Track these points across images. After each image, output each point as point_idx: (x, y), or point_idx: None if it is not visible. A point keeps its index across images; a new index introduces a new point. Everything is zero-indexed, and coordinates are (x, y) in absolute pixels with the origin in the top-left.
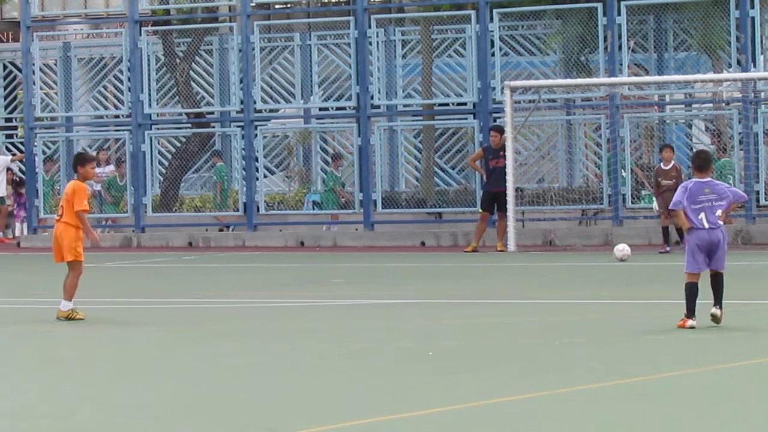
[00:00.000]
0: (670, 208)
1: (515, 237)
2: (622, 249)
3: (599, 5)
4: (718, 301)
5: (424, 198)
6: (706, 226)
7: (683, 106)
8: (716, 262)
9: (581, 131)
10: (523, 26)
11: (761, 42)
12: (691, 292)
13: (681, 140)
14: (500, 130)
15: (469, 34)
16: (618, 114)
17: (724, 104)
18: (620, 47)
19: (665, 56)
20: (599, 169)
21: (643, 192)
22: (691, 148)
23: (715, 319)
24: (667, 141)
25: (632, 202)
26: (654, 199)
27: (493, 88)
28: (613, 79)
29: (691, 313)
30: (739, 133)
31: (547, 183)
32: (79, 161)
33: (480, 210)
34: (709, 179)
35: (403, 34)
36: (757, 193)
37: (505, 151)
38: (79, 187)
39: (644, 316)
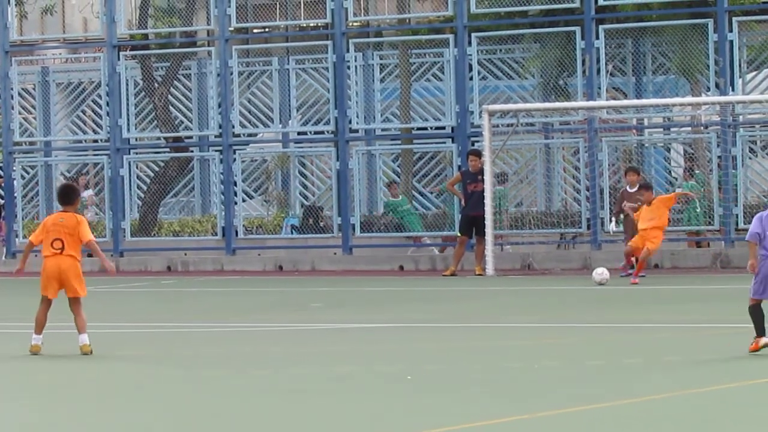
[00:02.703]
0: (747, 239)
1: (493, 261)
2: (600, 273)
3: (577, 29)
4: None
5: (401, 222)
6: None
7: (662, 129)
8: None
9: (560, 155)
10: (501, 50)
11: (739, 65)
12: (756, 314)
13: (659, 164)
14: (479, 154)
15: (447, 58)
16: (596, 138)
17: (702, 128)
18: (598, 71)
19: (644, 80)
20: (578, 193)
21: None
22: (669, 172)
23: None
24: (645, 165)
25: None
26: (612, 219)
27: (472, 112)
28: (591, 103)
29: (761, 332)
30: (718, 157)
31: (526, 207)
32: (76, 194)
33: (458, 234)
34: None
35: (381, 58)
36: (737, 216)
37: (483, 175)
38: (83, 218)
39: (622, 340)
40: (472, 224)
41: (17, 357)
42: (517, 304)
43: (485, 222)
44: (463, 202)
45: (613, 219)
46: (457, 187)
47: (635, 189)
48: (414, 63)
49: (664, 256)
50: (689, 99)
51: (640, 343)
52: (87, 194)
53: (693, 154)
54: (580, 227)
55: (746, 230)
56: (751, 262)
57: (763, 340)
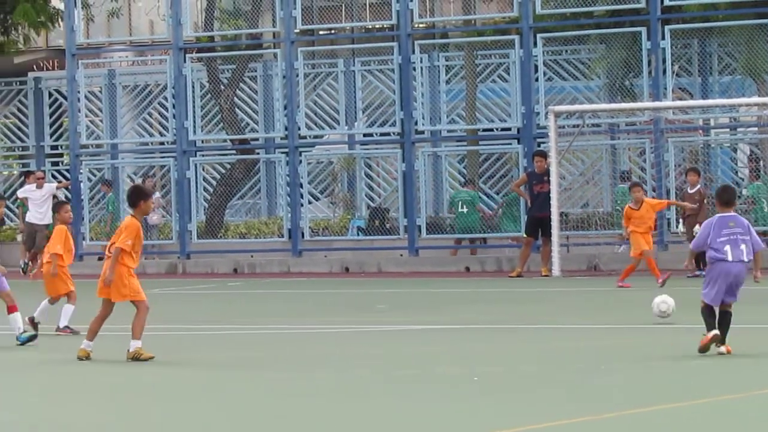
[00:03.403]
0: (692, 248)
1: (560, 262)
2: (660, 303)
3: (643, 29)
4: (723, 339)
5: (469, 223)
6: (730, 258)
7: (728, 130)
8: (731, 298)
9: (626, 156)
10: (566, 51)
11: None
12: (709, 313)
13: (726, 164)
14: (544, 155)
15: (512, 59)
16: (662, 138)
17: None
18: (664, 71)
19: (710, 80)
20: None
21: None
22: (736, 172)
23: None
24: (711, 165)
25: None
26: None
27: (537, 113)
28: (657, 104)
29: (710, 327)
30: None
31: (592, 208)
32: (142, 196)
33: (525, 235)
34: (733, 214)
35: (446, 60)
36: None
37: (549, 176)
38: (132, 224)
39: (687, 341)
40: (538, 225)
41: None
42: (583, 305)
43: (551, 223)
44: (529, 203)
45: (680, 220)
46: (523, 189)
47: (695, 189)
48: (479, 64)
49: None
50: (755, 99)
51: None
52: (154, 197)
53: (758, 155)
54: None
55: None
56: (685, 264)
57: (713, 332)
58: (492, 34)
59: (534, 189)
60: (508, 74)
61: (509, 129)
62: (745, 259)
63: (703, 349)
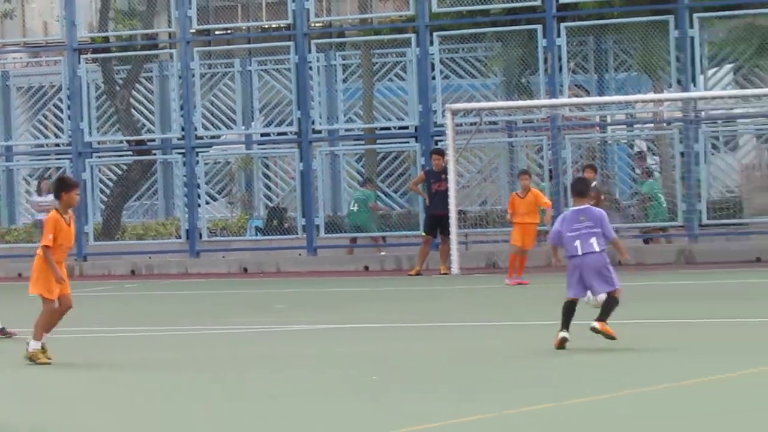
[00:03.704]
0: (549, 243)
1: (459, 260)
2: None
3: (539, 27)
4: (601, 316)
5: (360, 222)
6: (580, 252)
7: (624, 126)
8: (598, 287)
9: (523, 153)
10: (463, 49)
11: (701, 62)
12: (567, 309)
13: (623, 161)
14: (442, 154)
15: (409, 58)
16: (560, 135)
17: (665, 124)
18: (561, 69)
19: (606, 77)
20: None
21: None
22: (633, 168)
23: (595, 330)
24: (608, 162)
25: None
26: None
27: (435, 112)
28: (554, 101)
29: (563, 326)
30: (681, 153)
31: (490, 205)
32: (64, 187)
33: (424, 233)
34: (586, 206)
35: (343, 59)
36: (700, 212)
37: (447, 175)
38: (51, 218)
39: (590, 336)
40: (437, 223)
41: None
42: (482, 303)
43: (450, 221)
44: (427, 202)
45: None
46: (421, 187)
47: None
48: (376, 63)
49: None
50: (651, 96)
51: (597, 340)
52: (50, 198)
53: (643, 153)
54: (543, 225)
55: (710, 226)
56: (554, 261)
57: (563, 335)
58: (388, 32)
59: (432, 187)
60: (405, 73)
61: (407, 127)
62: (597, 249)
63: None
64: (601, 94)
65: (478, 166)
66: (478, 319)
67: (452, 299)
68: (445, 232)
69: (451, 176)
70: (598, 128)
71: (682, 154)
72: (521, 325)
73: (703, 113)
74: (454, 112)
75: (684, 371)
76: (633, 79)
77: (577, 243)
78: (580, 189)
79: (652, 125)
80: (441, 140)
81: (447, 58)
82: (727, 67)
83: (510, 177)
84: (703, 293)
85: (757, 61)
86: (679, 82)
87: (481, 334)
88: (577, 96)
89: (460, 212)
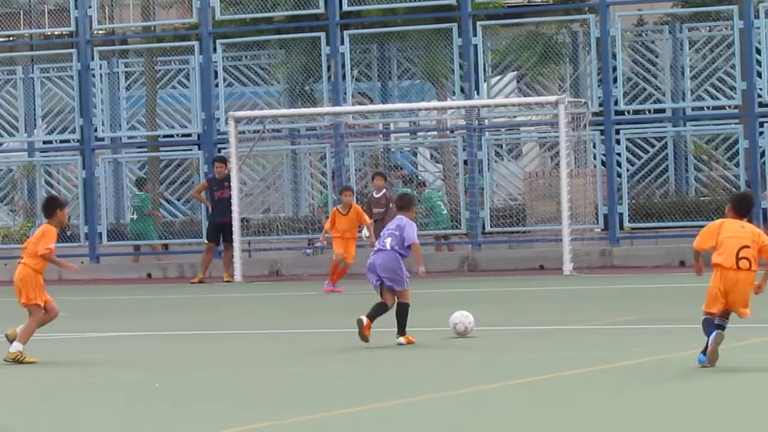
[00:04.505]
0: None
1: (242, 267)
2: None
3: (322, 35)
4: (399, 329)
5: (139, 229)
6: (376, 248)
7: (408, 134)
8: (389, 283)
9: (306, 161)
10: (246, 56)
11: (484, 69)
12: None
13: (407, 168)
14: (224, 161)
15: (192, 65)
16: (343, 143)
17: (448, 132)
18: (344, 76)
19: (389, 84)
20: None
21: None
22: (417, 176)
23: (401, 343)
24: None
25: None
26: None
27: (218, 119)
28: (337, 108)
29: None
30: (464, 161)
31: (273, 213)
32: (59, 205)
33: (206, 241)
34: (400, 216)
35: (126, 66)
36: (483, 219)
37: (230, 182)
38: (50, 230)
39: (376, 345)
40: (219, 231)
41: None
42: (266, 310)
43: (233, 228)
44: (210, 209)
45: (364, 226)
46: (204, 195)
47: (381, 194)
48: (159, 70)
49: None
50: (435, 103)
51: (397, 350)
52: None
53: (399, 164)
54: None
55: (493, 233)
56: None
57: (366, 320)
58: (172, 40)
59: (215, 195)
60: (188, 80)
61: (189, 135)
62: (388, 247)
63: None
64: (384, 101)
65: (262, 174)
66: (260, 327)
67: (235, 307)
68: (228, 240)
69: (234, 184)
70: (381, 136)
71: (465, 161)
72: (304, 333)
73: (486, 121)
74: (237, 120)
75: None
76: (417, 87)
77: (377, 243)
78: (402, 204)
79: (435, 133)
80: (224, 148)
81: (230, 66)
82: (511, 74)
83: (293, 185)
84: (486, 299)
85: (540, 69)
86: (462, 90)
87: (262, 342)
88: (360, 104)
89: (243, 220)
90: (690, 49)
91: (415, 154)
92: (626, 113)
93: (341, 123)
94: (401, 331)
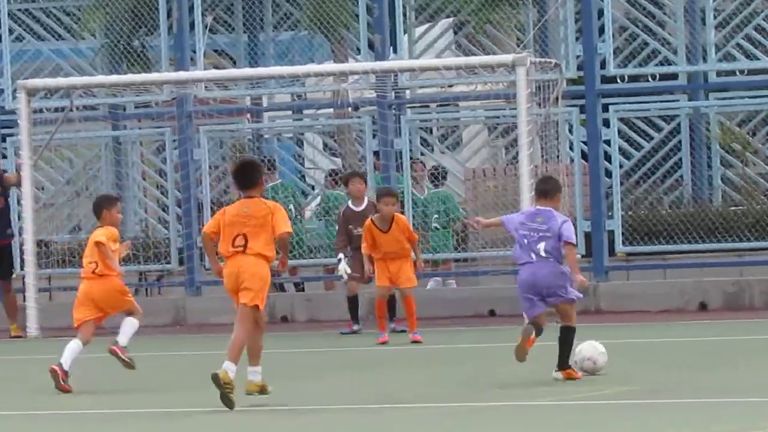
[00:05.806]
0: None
1: (38, 315)
2: (591, 356)
3: None
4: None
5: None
6: (523, 260)
7: (290, 112)
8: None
9: (136, 153)
10: None
11: (404, 15)
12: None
13: (288, 164)
14: None
15: None
16: (191, 126)
17: (350, 109)
18: (192, 25)
19: (261, 38)
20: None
21: None
22: (303, 176)
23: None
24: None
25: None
26: (340, 256)
27: (1, 91)
28: (181, 74)
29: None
30: (375, 153)
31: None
32: (259, 171)
33: None
34: (548, 209)
35: None
36: None
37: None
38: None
39: None
40: None
41: None
42: None
43: (18, 255)
44: None
45: (341, 255)
46: None
47: (363, 206)
48: None
49: None
50: (330, 66)
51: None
52: None
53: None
54: (168, 263)
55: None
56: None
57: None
58: None
59: None
60: None
61: None
62: (543, 254)
63: None
64: (253, 64)
65: (69, 174)
66: None
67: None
68: (6, 274)
69: (26, 188)
70: (249, 115)
71: (376, 154)
72: None
73: (407, 93)
74: (31, 92)
75: None
76: (302, 42)
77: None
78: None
79: (330, 111)
80: (9, 134)
81: (18, 10)
82: (444, 22)
83: (116, 189)
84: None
85: (489, 14)
86: (371, 46)
87: None
88: (217, 67)
89: (40, 243)
90: None
91: (300, 144)
92: (618, 80)
93: (188, 97)
94: (564, 366)
